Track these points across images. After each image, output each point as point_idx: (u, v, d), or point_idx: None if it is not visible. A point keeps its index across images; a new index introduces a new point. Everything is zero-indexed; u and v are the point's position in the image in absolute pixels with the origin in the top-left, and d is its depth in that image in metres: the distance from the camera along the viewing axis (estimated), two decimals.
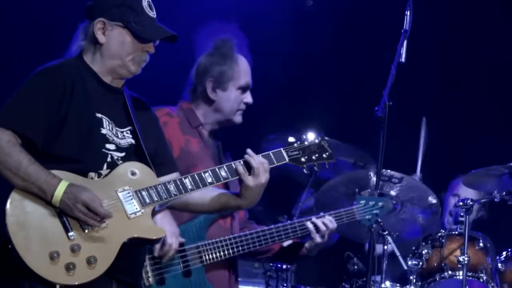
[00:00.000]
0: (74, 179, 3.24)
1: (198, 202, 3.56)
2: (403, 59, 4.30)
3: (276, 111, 4.47)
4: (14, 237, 3.15)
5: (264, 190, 3.82)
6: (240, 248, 4.13)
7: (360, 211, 4.41)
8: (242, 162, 3.48)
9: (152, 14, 3.43)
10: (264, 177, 3.47)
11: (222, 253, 4.09)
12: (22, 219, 3.21)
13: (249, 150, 3.47)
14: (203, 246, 4.05)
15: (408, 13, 4.36)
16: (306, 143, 3.64)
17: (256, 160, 3.43)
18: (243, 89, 4.24)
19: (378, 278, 4.86)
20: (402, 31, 4.34)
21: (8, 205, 3.18)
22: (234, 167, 3.47)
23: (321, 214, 4.32)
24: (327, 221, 4.24)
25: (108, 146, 3.34)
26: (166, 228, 3.80)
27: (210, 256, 4.06)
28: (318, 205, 4.88)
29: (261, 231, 4.20)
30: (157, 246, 3.86)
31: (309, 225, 4.26)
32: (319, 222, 4.24)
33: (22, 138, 3.22)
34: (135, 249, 3.35)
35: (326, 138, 3.74)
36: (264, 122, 4.98)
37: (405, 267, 5.06)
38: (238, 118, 4.27)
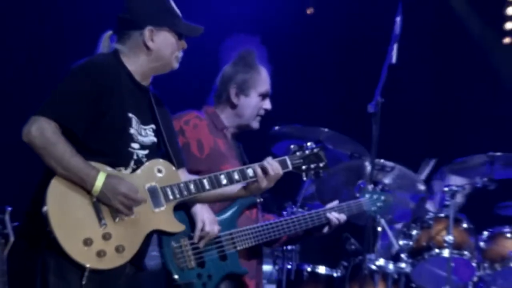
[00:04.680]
0: (109, 171, 3.29)
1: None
2: (394, 61, 4.44)
3: (282, 106, 4.57)
4: (53, 222, 3.18)
5: None
6: (267, 235, 4.20)
7: (367, 203, 4.53)
8: (259, 166, 3.57)
9: (179, 12, 3.52)
10: (274, 182, 3.61)
11: (252, 239, 4.15)
12: (60, 206, 3.23)
13: (269, 158, 3.62)
14: (235, 233, 4.11)
15: (398, 19, 4.50)
16: (307, 152, 3.74)
17: (274, 167, 3.56)
18: (263, 96, 4.32)
19: (373, 256, 5.04)
20: (393, 35, 4.48)
21: (48, 192, 3.20)
22: (246, 171, 3.57)
23: (333, 206, 4.38)
24: (340, 216, 4.32)
25: (133, 145, 3.40)
26: (206, 216, 3.96)
27: (242, 242, 4.12)
28: (319, 192, 5.12)
29: (284, 221, 4.26)
30: (197, 232, 3.96)
31: (331, 216, 4.30)
32: (333, 216, 4.29)
33: (63, 129, 3.24)
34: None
35: (322, 147, 3.83)
36: (272, 114, 4.85)
37: (397, 246, 5.30)
38: (255, 124, 4.35)
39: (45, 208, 3.18)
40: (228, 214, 4.14)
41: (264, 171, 3.54)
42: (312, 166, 3.74)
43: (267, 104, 4.27)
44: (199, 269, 3.94)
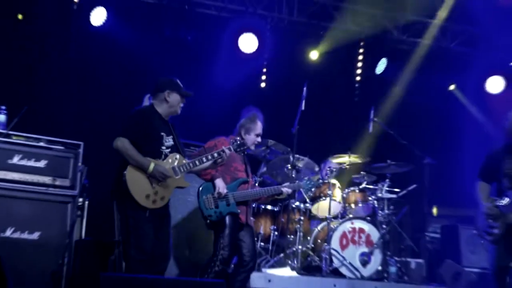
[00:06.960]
0: (155, 161, 4.78)
1: None
2: (303, 108, 6.62)
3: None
4: (129, 186, 4.77)
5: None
6: (252, 195, 5.75)
7: (304, 184, 6.26)
8: (219, 152, 5.05)
9: (181, 84, 5.10)
10: (226, 160, 5.11)
11: (244, 196, 5.72)
12: (133, 178, 4.75)
13: (224, 147, 5.15)
14: (236, 193, 5.72)
15: (305, 88, 6.61)
16: (239, 142, 5.29)
17: (226, 152, 5.09)
18: (257, 135, 5.91)
19: (293, 200, 7.26)
20: (302, 96, 6.59)
21: (126, 172, 4.78)
22: (214, 154, 5.02)
23: (286, 184, 5.96)
24: (289, 190, 5.91)
25: (162, 148, 4.97)
26: (220, 185, 5.56)
27: (238, 197, 5.73)
28: (268, 171, 7.34)
29: (263, 189, 5.82)
30: (215, 192, 5.52)
31: (284, 190, 5.92)
32: (285, 189, 5.88)
33: (132, 142, 4.67)
34: None
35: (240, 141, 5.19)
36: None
37: (305, 196, 7.50)
38: (253, 147, 5.90)
39: (125, 180, 4.72)
40: (232, 185, 5.78)
41: (222, 155, 5.16)
42: (242, 148, 5.35)
43: (259, 139, 6.01)
44: (215, 209, 5.62)
